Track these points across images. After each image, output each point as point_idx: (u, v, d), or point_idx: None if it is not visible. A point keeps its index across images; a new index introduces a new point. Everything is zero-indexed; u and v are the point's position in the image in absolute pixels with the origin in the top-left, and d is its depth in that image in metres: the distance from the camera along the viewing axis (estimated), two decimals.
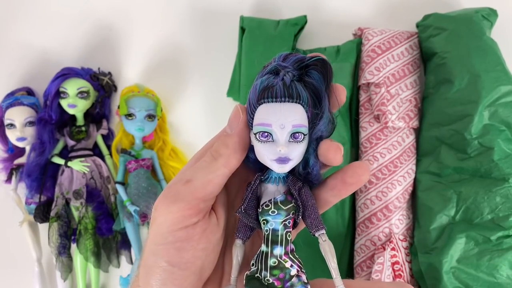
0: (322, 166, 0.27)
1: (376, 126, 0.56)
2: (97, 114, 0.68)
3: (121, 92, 0.66)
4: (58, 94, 0.64)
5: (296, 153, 0.25)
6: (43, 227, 0.65)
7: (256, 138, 0.25)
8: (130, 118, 0.63)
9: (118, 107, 0.64)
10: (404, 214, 0.54)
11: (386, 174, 0.54)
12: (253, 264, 0.27)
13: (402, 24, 0.62)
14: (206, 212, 0.27)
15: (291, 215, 0.26)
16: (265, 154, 0.25)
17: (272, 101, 0.25)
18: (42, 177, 0.64)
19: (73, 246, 0.63)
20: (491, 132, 0.51)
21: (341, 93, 0.27)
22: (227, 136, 0.27)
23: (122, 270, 0.65)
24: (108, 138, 0.69)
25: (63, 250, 0.62)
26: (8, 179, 0.67)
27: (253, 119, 0.26)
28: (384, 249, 0.52)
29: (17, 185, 0.66)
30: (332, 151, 0.25)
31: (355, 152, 0.59)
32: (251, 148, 0.27)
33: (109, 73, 0.70)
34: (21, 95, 0.67)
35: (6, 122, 0.65)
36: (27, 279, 0.65)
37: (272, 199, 0.26)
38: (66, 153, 0.66)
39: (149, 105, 0.64)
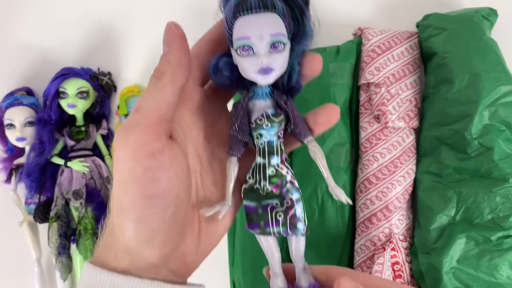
0: (303, 78, 0.28)
1: (376, 126, 0.56)
2: (97, 114, 0.68)
3: (120, 92, 0.66)
4: (58, 94, 0.64)
5: (278, 62, 0.26)
6: (42, 227, 0.65)
7: (238, 54, 0.26)
8: None
9: (118, 107, 0.64)
10: (404, 214, 0.54)
11: (386, 174, 0.54)
12: (249, 178, 0.28)
13: (402, 24, 0.62)
14: (167, 136, 0.25)
15: (282, 126, 0.28)
16: (248, 67, 0.26)
17: (248, 13, 0.25)
18: (41, 177, 0.64)
19: (73, 246, 0.63)
20: (491, 132, 0.51)
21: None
22: (166, 54, 0.26)
23: None
24: (107, 138, 0.69)
25: (63, 250, 0.62)
26: (8, 179, 0.67)
27: (232, 35, 0.26)
28: (384, 249, 0.52)
29: (16, 185, 0.66)
30: (314, 61, 0.27)
31: (355, 152, 0.59)
32: (226, 67, 0.27)
33: (109, 73, 0.70)
34: (20, 95, 0.67)
35: (6, 122, 0.65)
36: (27, 279, 0.65)
37: (264, 113, 0.27)
38: (65, 153, 0.66)
39: None
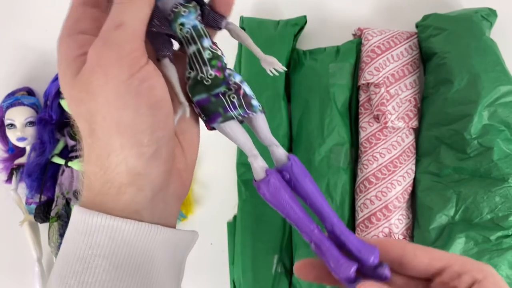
0: None
1: (375, 126, 0.56)
2: None
3: None
4: (59, 94, 0.64)
5: None
6: (43, 227, 0.65)
7: None
8: None
9: None
10: (403, 214, 0.55)
11: (385, 174, 0.54)
12: (189, 72, 0.27)
13: (402, 24, 0.62)
14: (146, 53, 0.25)
15: (198, 10, 0.28)
16: None
17: None
18: (42, 177, 0.64)
19: None
20: (490, 132, 0.51)
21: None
22: None
23: None
24: None
25: None
26: (9, 179, 0.67)
27: None
28: None
29: (17, 185, 0.66)
30: None
31: (355, 152, 0.59)
32: None
33: None
34: (21, 95, 0.67)
35: (7, 122, 0.65)
36: (27, 279, 0.65)
37: (177, 2, 0.27)
38: (66, 153, 0.66)
39: None
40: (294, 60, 0.61)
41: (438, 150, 0.54)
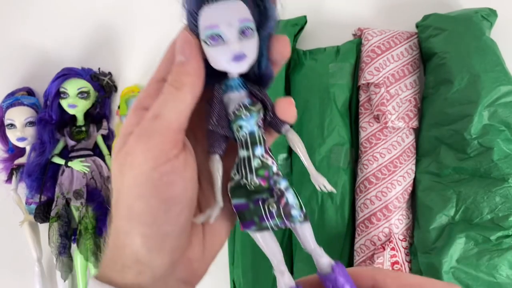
0: (273, 63, 0.28)
1: (375, 126, 0.56)
2: (97, 114, 0.68)
3: (121, 92, 0.66)
4: (59, 94, 0.64)
5: (250, 48, 0.25)
6: (43, 227, 0.65)
7: (207, 44, 0.25)
8: None
9: (118, 108, 0.65)
10: (403, 214, 0.55)
11: (386, 174, 0.54)
12: (235, 174, 0.27)
13: (402, 24, 0.62)
14: (182, 143, 0.26)
15: (261, 114, 0.27)
16: (219, 57, 0.25)
17: (213, 2, 0.25)
18: (42, 177, 0.64)
19: (74, 246, 0.64)
20: (490, 132, 0.51)
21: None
22: (185, 63, 0.25)
23: None
24: (108, 138, 0.69)
25: (64, 250, 0.62)
26: (9, 179, 0.67)
27: (197, 27, 0.25)
28: (384, 249, 0.52)
29: (17, 185, 0.66)
30: (282, 45, 0.27)
31: (355, 152, 0.59)
32: None
33: (109, 73, 0.70)
34: (21, 95, 0.67)
35: (7, 122, 0.65)
36: (27, 279, 0.65)
37: (241, 104, 0.26)
38: (66, 153, 0.66)
39: None
40: (294, 60, 0.61)
41: (438, 150, 0.54)
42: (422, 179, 0.54)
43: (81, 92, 0.64)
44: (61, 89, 0.64)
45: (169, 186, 0.24)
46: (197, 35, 0.26)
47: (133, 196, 0.24)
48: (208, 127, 0.26)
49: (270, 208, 0.26)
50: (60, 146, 0.66)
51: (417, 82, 0.58)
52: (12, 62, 0.73)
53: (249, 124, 0.27)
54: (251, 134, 0.27)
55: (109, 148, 0.68)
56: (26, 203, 0.66)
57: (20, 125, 0.65)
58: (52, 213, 0.62)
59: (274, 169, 0.27)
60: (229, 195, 0.27)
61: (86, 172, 0.64)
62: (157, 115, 0.25)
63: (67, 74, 0.65)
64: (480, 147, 0.51)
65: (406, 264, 0.53)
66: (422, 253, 0.51)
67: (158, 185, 0.24)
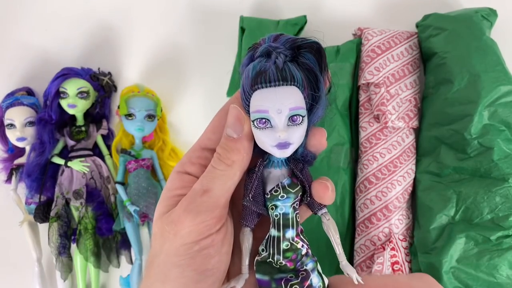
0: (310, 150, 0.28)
1: (376, 126, 0.56)
2: (97, 114, 0.68)
3: (121, 92, 0.66)
4: (58, 94, 0.64)
5: (296, 136, 0.25)
6: (43, 227, 0.65)
7: (255, 125, 0.25)
8: (130, 118, 0.63)
9: (118, 107, 0.64)
10: (404, 214, 0.55)
11: (386, 174, 0.54)
12: (263, 250, 0.27)
13: (402, 24, 0.62)
14: (226, 217, 0.27)
15: (298, 197, 0.27)
16: (265, 141, 0.25)
17: (267, 86, 0.24)
18: (42, 177, 0.64)
19: (73, 246, 0.64)
20: (490, 132, 0.51)
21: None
22: (236, 141, 0.26)
23: (122, 270, 0.65)
24: (108, 138, 0.69)
25: (63, 250, 0.62)
26: (8, 179, 0.67)
27: (249, 106, 0.25)
28: (384, 249, 0.52)
29: (17, 185, 0.66)
30: (320, 135, 0.27)
31: (355, 152, 0.59)
32: None
33: (109, 73, 0.70)
34: (21, 95, 0.67)
35: (6, 122, 0.65)
36: (27, 279, 0.65)
37: (280, 184, 0.26)
38: (66, 153, 0.66)
39: (149, 105, 0.64)
40: None
41: (438, 150, 0.54)
42: (422, 179, 0.54)
43: (80, 92, 0.64)
44: (61, 89, 0.64)
45: (206, 258, 0.25)
46: (248, 112, 0.26)
47: (171, 264, 0.25)
48: (243, 203, 0.26)
49: None
50: (59, 146, 0.66)
51: (417, 82, 0.58)
52: (11, 62, 0.73)
53: (284, 205, 0.26)
54: (284, 215, 0.26)
55: (109, 148, 0.68)
56: (25, 203, 0.66)
57: (20, 125, 0.64)
58: (52, 213, 0.62)
59: (303, 251, 0.27)
60: (254, 268, 0.27)
61: (86, 172, 0.64)
62: (207, 190, 0.25)
63: (66, 74, 0.65)
64: (480, 147, 0.51)
65: (406, 264, 0.53)
66: (422, 253, 0.51)
67: (196, 256, 0.25)
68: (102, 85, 0.68)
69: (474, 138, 0.51)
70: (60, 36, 0.73)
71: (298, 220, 0.27)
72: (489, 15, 0.56)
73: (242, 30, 0.63)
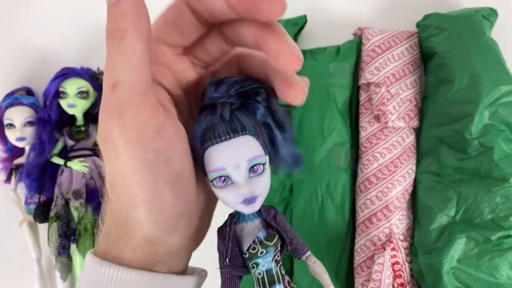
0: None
1: (376, 126, 0.56)
2: (97, 114, 0.67)
3: None
4: (58, 94, 0.64)
5: (261, 187, 0.23)
6: (42, 227, 0.65)
7: (214, 185, 0.23)
8: None
9: None
10: (404, 214, 0.54)
11: (386, 174, 0.54)
12: None
13: (402, 24, 0.62)
14: (160, 107, 0.21)
15: (278, 247, 0.25)
16: (229, 199, 0.23)
17: (217, 142, 0.22)
18: (41, 177, 0.64)
19: (73, 246, 0.63)
20: (491, 132, 0.50)
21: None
22: (116, 4, 0.20)
23: None
24: None
25: (63, 250, 0.62)
26: (8, 179, 0.67)
27: (204, 165, 0.23)
28: (384, 249, 0.52)
29: (16, 185, 0.66)
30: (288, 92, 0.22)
31: (355, 152, 0.59)
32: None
33: None
34: (20, 95, 0.67)
35: (6, 122, 0.65)
36: (27, 279, 0.65)
37: (256, 240, 0.24)
38: (65, 153, 0.66)
39: None
40: None
41: (439, 150, 0.53)
42: (423, 179, 0.54)
43: (80, 92, 0.64)
44: (61, 89, 0.64)
45: (168, 163, 0.21)
46: (203, 171, 0.23)
47: (133, 184, 0.21)
48: (221, 269, 0.24)
49: None
50: (59, 146, 0.66)
51: (418, 81, 0.58)
52: (11, 62, 0.73)
53: (265, 261, 0.24)
54: (268, 272, 0.24)
55: None
56: (25, 203, 0.65)
57: (19, 125, 0.64)
58: (51, 213, 0.62)
59: None
60: None
61: (86, 172, 0.63)
62: (115, 82, 0.20)
63: (66, 73, 0.65)
64: (480, 147, 0.51)
65: (407, 264, 0.53)
66: (422, 253, 0.51)
67: (157, 166, 0.21)
68: (102, 85, 0.68)
69: (474, 138, 0.51)
70: (59, 36, 0.73)
71: (283, 272, 0.25)
72: (490, 14, 0.56)
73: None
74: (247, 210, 0.23)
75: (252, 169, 0.22)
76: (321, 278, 0.25)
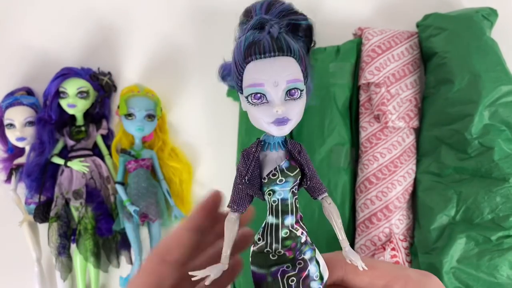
0: None
1: (376, 126, 0.56)
2: (97, 114, 0.68)
3: (121, 92, 0.66)
4: (58, 94, 0.64)
5: (295, 111, 0.23)
6: (42, 227, 0.65)
7: (249, 102, 0.23)
8: (129, 118, 0.63)
9: (118, 107, 0.64)
10: (404, 214, 0.54)
11: (386, 174, 0.54)
12: (259, 239, 0.25)
13: (402, 24, 0.62)
14: None
15: (297, 180, 0.25)
16: (260, 117, 0.23)
17: (261, 57, 0.22)
18: (41, 177, 0.64)
19: (73, 246, 0.63)
20: (491, 132, 0.50)
21: None
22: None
23: (121, 270, 0.65)
24: (107, 138, 0.69)
25: (63, 250, 0.62)
26: (8, 179, 0.67)
27: (241, 81, 0.23)
28: (384, 249, 0.52)
29: (16, 185, 0.66)
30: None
31: (355, 152, 0.59)
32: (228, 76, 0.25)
33: (109, 73, 0.70)
34: (20, 95, 0.67)
35: (6, 122, 0.65)
36: (27, 279, 0.65)
37: (277, 167, 0.24)
38: (65, 153, 0.66)
39: (149, 105, 0.64)
40: None
41: (439, 150, 0.53)
42: (423, 179, 0.54)
43: (80, 92, 0.64)
44: (61, 89, 0.64)
45: None
46: (240, 87, 0.24)
47: None
48: (238, 185, 0.25)
49: (290, 282, 0.24)
50: (59, 146, 0.66)
51: (418, 81, 0.58)
52: (11, 62, 0.73)
53: (283, 190, 0.24)
54: (283, 201, 0.24)
55: (108, 148, 0.68)
56: (25, 203, 0.65)
57: (20, 125, 0.64)
58: (52, 213, 0.62)
59: (303, 239, 0.25)
60: (250, 260, 0.25)
61: (86, 172, 0.63)
62: None
63: (66, 73, 0.65)
64: (480, 147, 0.51)
65: (407, 264, 0.53)
66: (422, 253, 0.51)
67: None
68: (102, 85, 0.68)
69: (474, 138, 0.51)
70: (60, 36, 0.73)
71: (298, 205, 0.25)
72: (490, 14, 0.56)
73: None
74: (276, 131, 0.23)
75: (289, 92, 0.23)
76: (334, 221, 0.26)
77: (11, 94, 0.68)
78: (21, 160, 0.67)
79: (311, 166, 0.25)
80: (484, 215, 0.49)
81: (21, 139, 0.65)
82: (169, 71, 0.70)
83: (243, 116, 0.62)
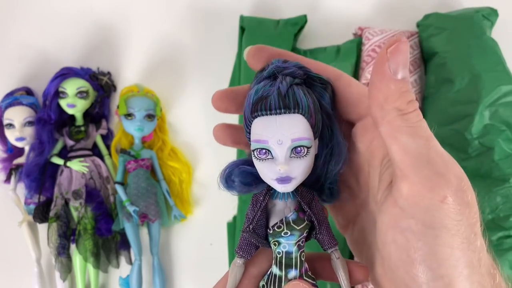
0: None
1: None
2: (97, 114, 0.68)
3: (120, 92, 0.66)
4: (57, 94, 0.64)
5: (299, 170, 0.23)
6: (42, 228, 0.65)
7: (255, 156, 0.23)
8: (129, 118, 0.63)
9: (118, 107, 0.64)
10: None
11: None
12: (263, 286, 0.25)
13: (403, 24, 0.62)
14: None
15: (304, 234, 0.24)
16: (265, 173, 0.23)
17: (267, 114, 0.22)
18: (41, 177, 0.63)
19: (72, 246, 0.63)
20: (491, 132, 0.50)
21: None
22: None
23: (121, 271, 0.65)
24: (107, 138, 0.69)
25: (62, 251, 0.62)
26: (7, 179, 0.67)
27: (249, 133, 0.23)
28: None
29: (16, 185, 0.66)
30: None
31: None
32: (241, 174, 0.25)
33: (109, 73, 0.70)
34: (20, 95, 0.67)
35: (5, 122, 0.65)
36: (27, 279, 0.65)
37: (284, 219, 0.24)
38: (65, 153, 0.66)
39: (148, 105, 0.64)
40: None
41: None
42: None
43: (80, 92, 0.64)
44: (60, 89, 0.64)
45: None
46: (248, 139, 0.24)
47: None
48: (242, 233, 0.24)
49: None
50: (59, 146, 0.65)
51: (418, 81, 0.58)
52: (11, 62, 0.73)
53: (287, 243, 0.24)
54: (287, 254, 0.24)
55: (108, 148, 0.67)
56: (25, 203, 0.65)
57: (19, 125, 0.64)
58: (51, 214, 0.62)
59: None
60: None
61: (85, 172, 0.63)
62: None
63: (66, 73, 0.65)
64: (481, 147, 0.51)
65: None
66: None
67: None
68: (102, 85, 0.68)
69: (475, 138, 0.51)
70: (59, 36, 0.73)
71: (303, 259, 0.24)
72: (490, 14, 0.56)
73: (242, 29, 0.63)
74: (280, 188, 0.23)
75: (295, 149, 0.22)
76: (340, 276, 0.24)
77: (11, 94, 0.68)
78: (20, 160, 0.66)
79: (323, 217, 0.24)
80: (484, 215, 0.49)
81: (20, 139, 0.64)
82: (169, 71, 0.70)
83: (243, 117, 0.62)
